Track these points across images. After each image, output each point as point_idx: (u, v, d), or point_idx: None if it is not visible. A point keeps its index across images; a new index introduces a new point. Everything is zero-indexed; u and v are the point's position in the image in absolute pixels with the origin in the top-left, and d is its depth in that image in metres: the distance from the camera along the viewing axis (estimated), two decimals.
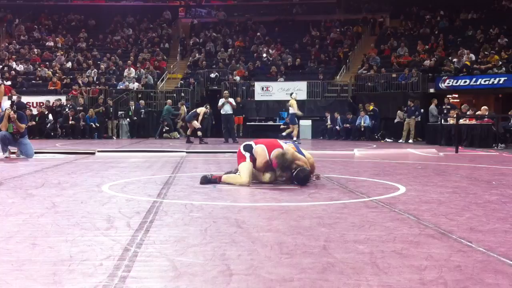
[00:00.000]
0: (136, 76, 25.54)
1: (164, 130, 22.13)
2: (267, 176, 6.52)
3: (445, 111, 19.07)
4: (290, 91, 23.47)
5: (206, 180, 6.38)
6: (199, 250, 3.13)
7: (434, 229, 3.76)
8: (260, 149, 6.46)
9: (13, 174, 7.52)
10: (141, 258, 2.94)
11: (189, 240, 3.39)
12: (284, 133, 18.36)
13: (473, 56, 22.39)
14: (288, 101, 18.37)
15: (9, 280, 2.52)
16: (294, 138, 16.96)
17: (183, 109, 21.38)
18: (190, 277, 2.60)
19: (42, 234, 3.54)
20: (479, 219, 4.21)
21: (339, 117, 21.49)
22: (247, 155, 6.49)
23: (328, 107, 22.75)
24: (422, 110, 20.06)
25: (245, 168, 6.40)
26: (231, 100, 18.50)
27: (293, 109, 17.62)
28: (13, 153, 10.71)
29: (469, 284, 2.51)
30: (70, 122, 21.30)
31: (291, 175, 6.35)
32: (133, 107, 22.43)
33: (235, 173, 6.63)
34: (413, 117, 19.84)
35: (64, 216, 4.20)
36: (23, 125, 10.62)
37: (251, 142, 6.67)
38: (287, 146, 6.64)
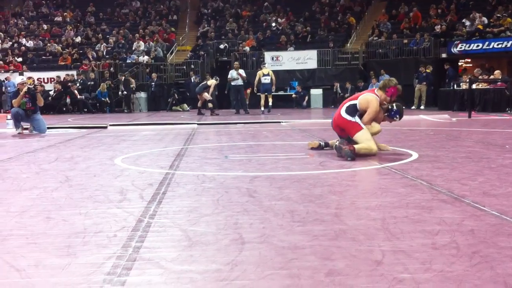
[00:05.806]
0: (145, 49, 25.43)
1: (173, 102, 22.02)
2: (376, 128, 6.03)
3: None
4: (301, 60, 23.23)
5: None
6: (212, 220, 3.15)
7: (447, 194, 3.74)
8: (370, 96, 5.92)
9: (27, 149, 7.57)
10: (155, 229, 2.97)
11: (201, 210, 3.41)
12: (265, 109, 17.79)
13: (485, 20, 21.99)
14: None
15: (24, 253, 2.56)
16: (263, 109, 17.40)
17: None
18: (203, 246, 2.62)
19: (56, 208, 3.58)
20: (492, 183, 4.18)
21: (350, 87, 21.20)
22: (357, 120, 5.92)
23: (339, 76, 22.56)
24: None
25: (366, 138, 5.81)
26: (241, 71, 18.42)
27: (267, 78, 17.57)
28: (26, 129, 10.80)
29: (482, 247, 2.51)
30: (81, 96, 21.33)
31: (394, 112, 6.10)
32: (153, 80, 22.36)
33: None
34: (424, 83, 19.69)
35: (78, 190, 4.24)
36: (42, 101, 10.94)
37: (350, 102, 5.99)
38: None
